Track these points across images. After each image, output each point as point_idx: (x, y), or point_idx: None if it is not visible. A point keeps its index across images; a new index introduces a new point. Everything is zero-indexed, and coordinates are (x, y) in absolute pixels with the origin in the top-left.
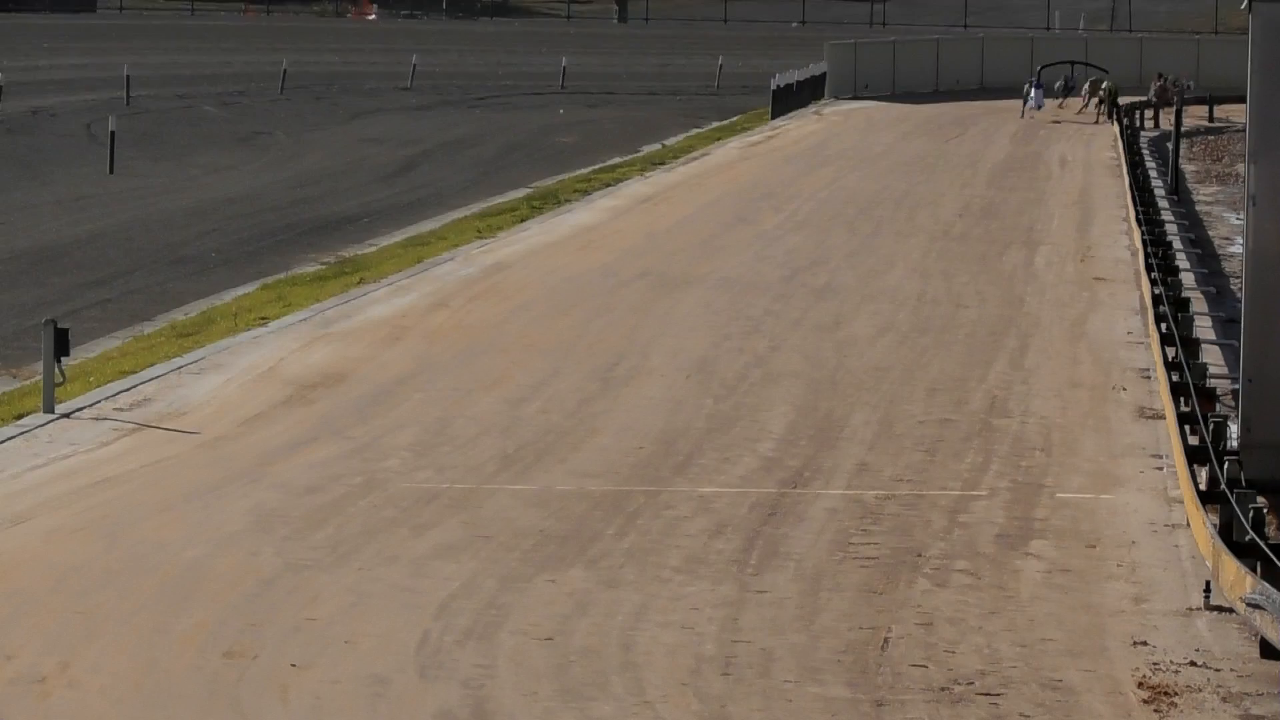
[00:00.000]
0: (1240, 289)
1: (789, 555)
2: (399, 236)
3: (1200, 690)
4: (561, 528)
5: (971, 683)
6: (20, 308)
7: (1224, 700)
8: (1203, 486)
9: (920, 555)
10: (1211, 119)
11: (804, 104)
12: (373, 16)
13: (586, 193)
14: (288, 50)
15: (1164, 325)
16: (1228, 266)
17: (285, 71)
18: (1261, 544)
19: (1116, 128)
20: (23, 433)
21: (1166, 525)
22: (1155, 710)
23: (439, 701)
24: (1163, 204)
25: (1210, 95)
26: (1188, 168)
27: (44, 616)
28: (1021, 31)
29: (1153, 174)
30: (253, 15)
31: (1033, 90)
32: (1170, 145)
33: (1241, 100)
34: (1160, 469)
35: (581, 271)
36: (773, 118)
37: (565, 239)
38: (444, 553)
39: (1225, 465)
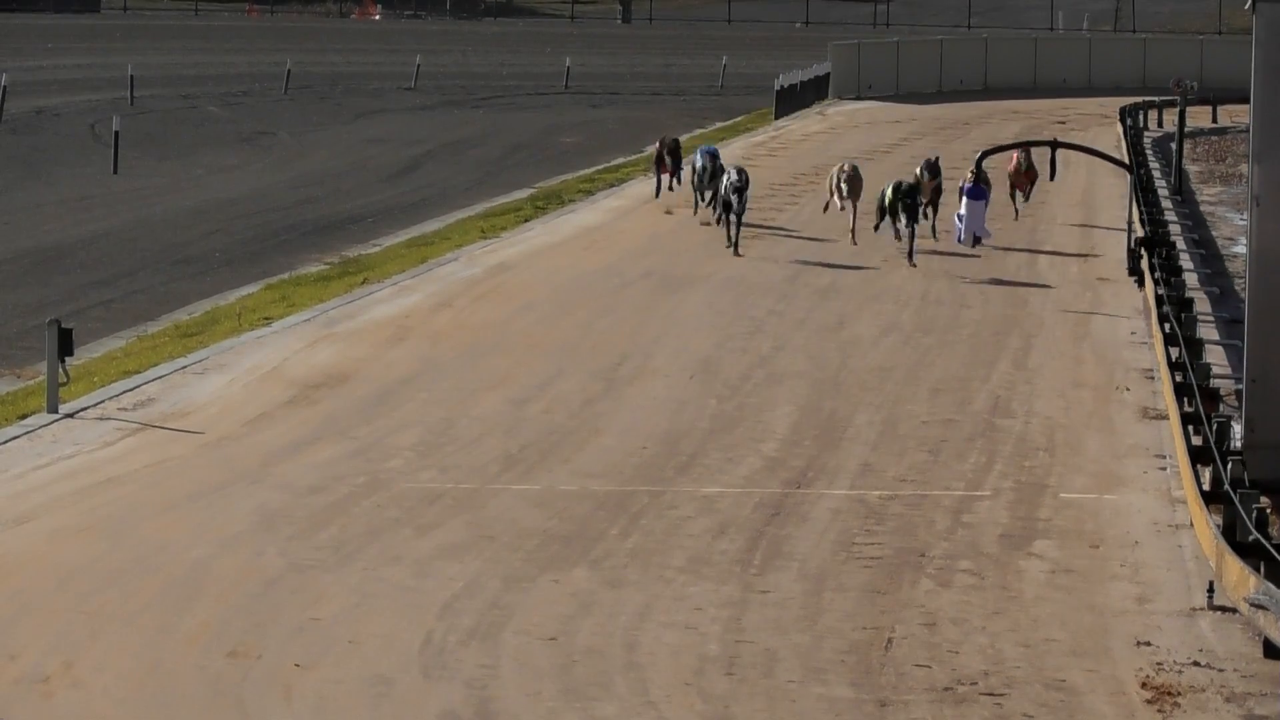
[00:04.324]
0: (1243, 289)
1: (792, 555)
2: (403, 237)
3: (1204, 690)
4: (565, 528)
5: (975, 683)
6: (24, 308)
7: (1227, 700)
8: (1206, 487)
9: (924, 555)
10: (1215, 119)
11: (807, 104)
12: (376, 17)
13: (590, 193)
14: (291, 50)
15: (1167, 326)
16: (1231, 267)
17: (289, 72)
18: (1265, 544)
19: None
20: (26, 433)
21: (1170, 525)
22: (1159, 710)
23: (442, 701)
24: (1166, 204)
25: (1214, 96)
26: (1191, 168)
27: (48, 616)
28: (1025, 32)
29: (1156, 174)
30: (256, 15)
31: (963, 199)
32: (1173, 146)
33: (1245, 101)
34: (1164, 469)
35: (585, 272)
36: (776, 118)
37: (569, 239)
38: (447, 553)
39: (1229, 465)
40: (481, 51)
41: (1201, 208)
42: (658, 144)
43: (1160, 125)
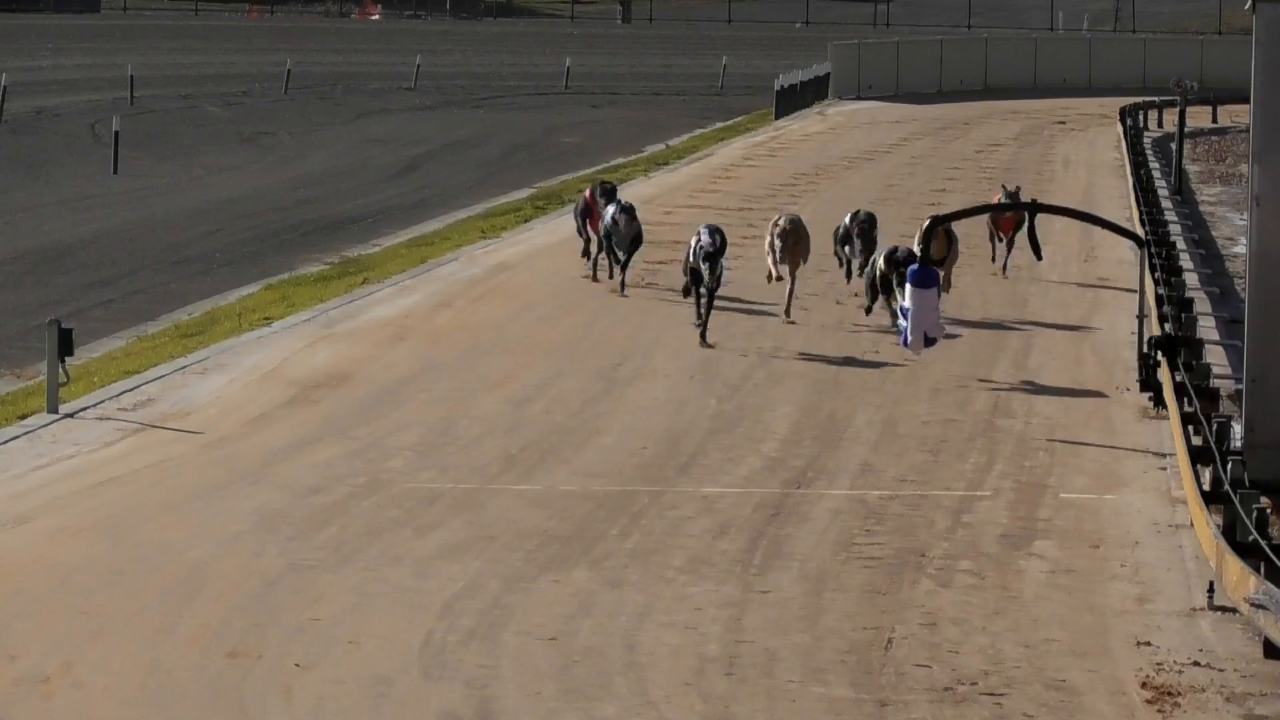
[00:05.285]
0: (1243, 289)
1: (793, 555)
2: (403, 237)
3: (1204, 690)
4: (565, 528)
5: (975, 683)
6: (24, 308)
7: (1228, 700)
8: (1206, 487)
9: (924, 555)
10: (1215, 119)
11: (808, 104)
12: (376, 17)
13: None
14: (291, 50)
15: (1167, 326)
16: (1231, 267)
17: (289, 72)
18: (1263, 545)
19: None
20: (26, 433)
21: (1170, 526)
22: (1159, 710)
23: (442, 701)
24: (1166, 204)
25: (1214, 96)
26: (1191, 168)
27: (47, 616)
28: (1025, 32)
29: (1156, 175)
30: (256, 16)
31: (905, 287)
32: (1174, 146)
33: (1245, 101)
34: (1164, 469)
35: (585, 271)
36: (776, 118)
37: (569, 239)
38: (448, 553)
39: (1229, 466)
40: (481, 51)
41: (1201, 208)
42: (587, 192)
43: (1160, 125)
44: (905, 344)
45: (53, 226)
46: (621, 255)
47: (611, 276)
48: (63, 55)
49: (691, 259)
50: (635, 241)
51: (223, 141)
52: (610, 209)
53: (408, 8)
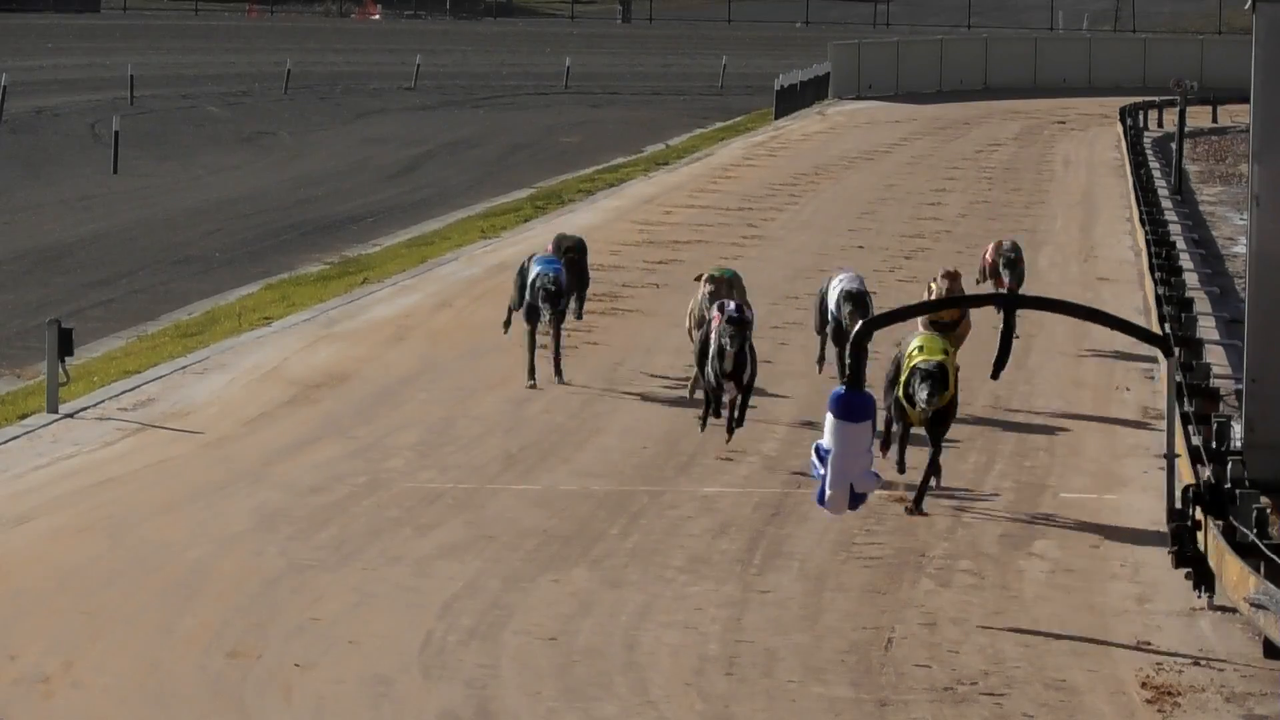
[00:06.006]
0: (1243, 289)
1: (792, 555)
2: (403, 236)
3: (1204, 690)
4: (565, 528)
5: (975, 683)
6: (24, 307)
7: (1227, 700)
8: None
9: (924, 555)
10: (1215, 119)
11: (808, 104)
12: (376, 16)
13: (590, 193)
14: (291, 50)
15: (1167, 326)
16: (1231, 267)
17: (289, 71)
18: (1261, 545)
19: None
20: (26, 433)
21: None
22: (1159, 710)
23: (442, 701)
24: (1166, 204)
25: (1214, 96)
26: (1191, 168)
27: (47, 616)
28: (1025, 32)
29: (1156, 174)
30: (256, 15)
31: (827, 419)
32: (1173, 145)
33: (1245, 101)
34: (1164, 470)
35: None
36: (776, 118)
37: None
38: (448, 553)
39: (1229, 465)
40: (481, 51)
41: (1201, 208)
42: (551, 248)
43: (1160, 125)
44: (820, 500)
45: (52, 226)
46: (545, 315)
47: (534, 375)
48: (63, 55)
49: (711, 336)
50: (566, 294)
51: (223, 141)
52: (533, 268)
53: (408, 8)
